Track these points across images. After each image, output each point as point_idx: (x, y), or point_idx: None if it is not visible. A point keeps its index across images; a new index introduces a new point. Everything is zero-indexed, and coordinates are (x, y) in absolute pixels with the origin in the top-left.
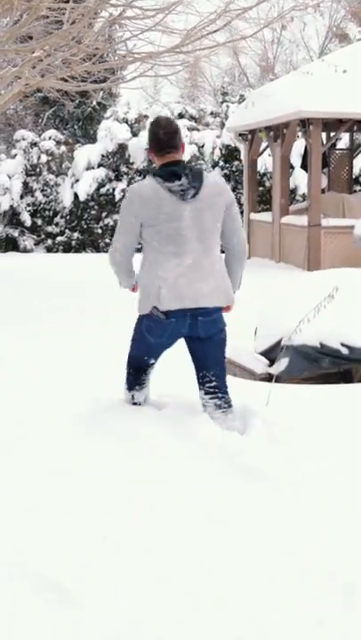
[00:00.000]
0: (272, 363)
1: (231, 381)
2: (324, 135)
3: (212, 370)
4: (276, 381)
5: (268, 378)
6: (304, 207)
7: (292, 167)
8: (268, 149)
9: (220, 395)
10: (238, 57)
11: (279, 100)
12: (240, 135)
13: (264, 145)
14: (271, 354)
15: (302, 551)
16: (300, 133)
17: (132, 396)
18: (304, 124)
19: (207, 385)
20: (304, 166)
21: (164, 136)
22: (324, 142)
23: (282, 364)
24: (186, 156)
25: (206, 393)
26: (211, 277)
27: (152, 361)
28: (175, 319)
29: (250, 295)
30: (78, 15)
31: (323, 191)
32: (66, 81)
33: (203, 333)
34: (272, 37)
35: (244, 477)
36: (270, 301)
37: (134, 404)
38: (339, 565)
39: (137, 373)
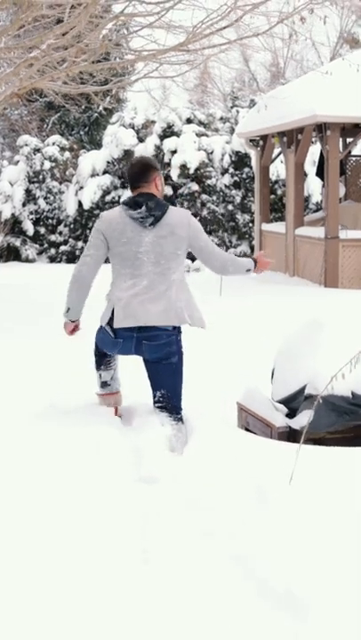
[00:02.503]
0: (292, 412)
1: (243, 438)
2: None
3: (160, 390)
4: (294, 437)
5: (289, 432)
6: (320, 217)
7: (304, 174)
8: (281, 156)
9: (170, 414)
10: (248, 62)
11: (293, 104)
12: (251, 141)
13: (277, 151)
14: (292, 403)
15: None
16: (315, 139)
17: (100, 375)
18: (320, 128)
19: (156, 404)
20: (319, 174)
21: (134, 172)
22: (341, 148)
23: (306, 417)
24: (194, 163)
25: (156, 408)
26: (163, 299)
27: (113, 355)
28: (122, 340)
29: (263, 318)
30: (78, 13)
31: (339, 201)
32: (65, 83)
33: (149, 357)
34: (282, 42)
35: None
36: (291, 337)
37: (103, 382)
38: None
39: (101, 356)
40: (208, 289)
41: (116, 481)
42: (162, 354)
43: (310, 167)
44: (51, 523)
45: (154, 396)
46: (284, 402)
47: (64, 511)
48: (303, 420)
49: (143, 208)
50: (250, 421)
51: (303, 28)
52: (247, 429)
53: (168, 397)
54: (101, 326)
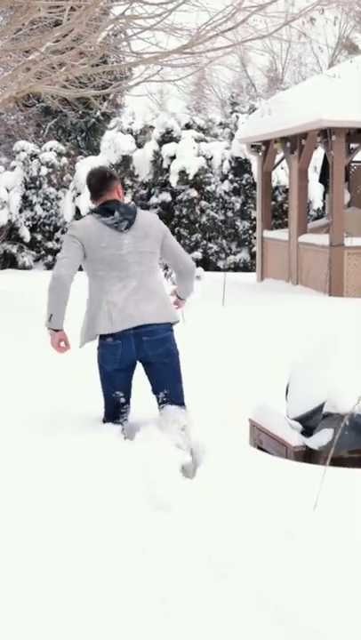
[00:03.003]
0: (308, 430)
1: (258, 458)
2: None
3: (164, 391)
4: (310, 457)
5: (305, 452)
6: (323, 224)
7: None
8: (282, 162)
9: (173, 406)
10: (246, 67)
11: (297, 108)
12: (252, 146)
13: (278, 157)
14: (309, 421)
15: None
16: (318, 144)
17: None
18: (325, 133)
19: (161, 404)
20: (322, 180)
21: (95, 182)
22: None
23: (324, 436)
24: (194, 169)
25: (162, 409)
26: (156, 296)
27: (121, 397)
28: (120, 340)
29: (269, 327)
30: (78, 15)
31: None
32: (64, 87)
33: (151, 353)
34: (284, 45)
35: None
36: (305, 352)
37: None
38: None
39: (112, 412)
40: (210, 297)
41: (123, 508)
42: (163, 349)
43: (312, 173)
44: (54, 555)
45: (157, 399)
46: (301, 420)
47: (68, 542)
48: (322, 439)
49: (116, 214)
50: (263, 439)
51: (311, 31)
52: (260, 447)
53: (171, 396)
54: (97, 348)
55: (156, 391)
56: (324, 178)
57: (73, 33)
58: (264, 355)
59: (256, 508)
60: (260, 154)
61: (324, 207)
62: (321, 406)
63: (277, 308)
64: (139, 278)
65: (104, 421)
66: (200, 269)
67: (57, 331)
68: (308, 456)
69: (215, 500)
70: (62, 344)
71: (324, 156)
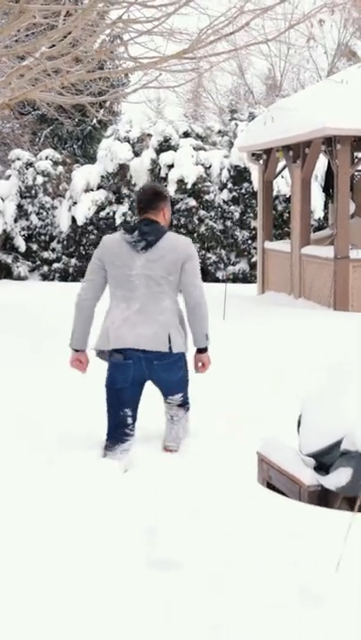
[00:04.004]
0: (322, 466)
1: (270, 500)
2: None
3: (173, 396)
4: (326, 497)
5: (320, 492)
6: (327, 236)
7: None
8: (284, 170)
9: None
10: (244, 74)
11: (300, 116)
12: (253, 155)
13: (280, 165)
14: (324, 457)
15: None
16: (321, 153)
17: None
18: (329, 142)
19: (168, 406)
20: (326, 189)
21: (143, 198)
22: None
23: (342, 476)
24: (192, 178)
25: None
26: (154, 324)
27: (129, 413)
28: (132, 360)
29: (272, 342)
30: (75, 18)
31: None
32: (60, 94)
33: (163, 374)
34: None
35: None
36: (319, 383)
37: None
38: None
39: (115, 433)
40: (209, 310)
41: (124, 564)
42: (174, 370)
43: (312, 182)
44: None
45: (165, 398)
46: (316, 456)
47: (68, 599)
48: (339, 479)
49: (136, 232)
50: (273, 475)
51: (315, 35)
52: (269, 483)
53: (178, 399)
54: (109, 372)
55: (164, 394)
56: (327, 187)
57: (69, 37)
58: (269, 373)
59: (270, 564)
60: (262, 162)
61: (325, 217)
62: (338, 442)
63: (281, 322)
64: (143, 302)
65: (106, 447)
66: None
67: (77, 350)
68: (323, 497)
69: (225, 554)
70: (78, 362)
71: (328, 165)
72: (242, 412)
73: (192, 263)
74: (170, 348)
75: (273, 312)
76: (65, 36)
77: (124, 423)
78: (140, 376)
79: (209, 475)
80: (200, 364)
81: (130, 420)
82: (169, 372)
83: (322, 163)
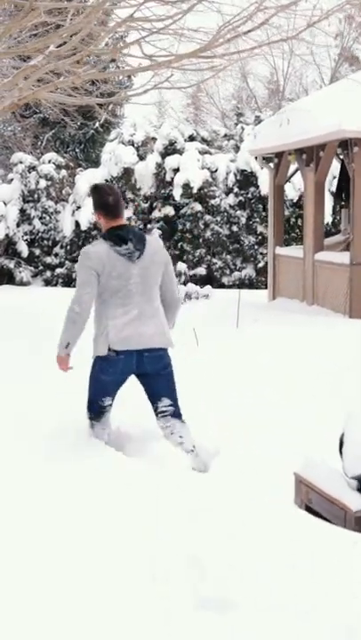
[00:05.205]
0: None
1: (314, 528)
2: None
3: (162, 400)
4: None
5: None
6: (340, 241)
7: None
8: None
9: (178, 419)
10: (247, 78)
11: (315, 117)
12: (263, 158)
13: (292, 169)
14: None
15: None
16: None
17: (97, 435)
18: (345, 144)
19: (160, 414)
20: (338, 194)
21: (113, 202)
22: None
23: None
24: (198, 182)
25: (162, 421)
26: (152, 323)
27: (108, 402)
28: (123, 356)
29: (286, 351)
30: (85, 15)
31: None
32: (69, 95)
33: (150, 369)
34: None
35: None
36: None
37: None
38: None
39: (97, 417)
40: (222, 317)
41: (126, 567)
42: (162, 363)
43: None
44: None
45: (156, 408)
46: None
47: (68, 599)
48: None
49: (130, 244)
50: (313, 499)
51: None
52: (308, 507)
53: (170, 405)
54: (95, 360)
55: (153, 401)
56: (340, 191)
57: (79, 35)
58: (288, 383)
59: (316, 600)
60: (273, 166)
61: (334, 222)
62: None
63: (297, 330)
64: (140, 307)
65: (90, 418)
66: (208, 287)
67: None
68: None
69: (271, 594)
70: (65, 365)
71: (341, 168)
72: (250, 420)
73: (170, 264)
74: (167, 344)
75: (287, 319)
76: (75, 33)
77: (106, 409)
78: (129, 369)
79: (246, 502)
80: None
81: (109, 403)
82: (157, 365)
83: (334, 166)
